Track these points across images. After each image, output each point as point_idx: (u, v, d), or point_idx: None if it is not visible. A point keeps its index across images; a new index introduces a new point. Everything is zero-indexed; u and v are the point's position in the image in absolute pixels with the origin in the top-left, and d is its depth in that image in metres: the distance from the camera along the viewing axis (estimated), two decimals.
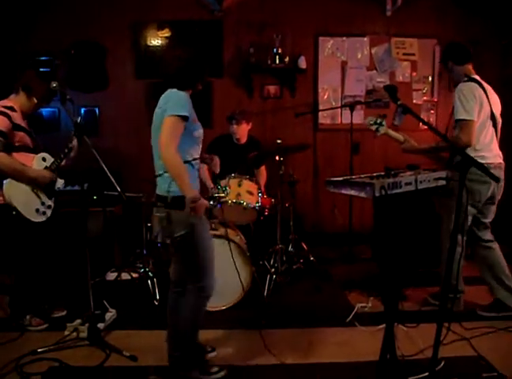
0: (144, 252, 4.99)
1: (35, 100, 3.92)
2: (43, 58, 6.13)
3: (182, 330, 3.25)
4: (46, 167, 3.93)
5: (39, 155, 3.94)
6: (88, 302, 3.67)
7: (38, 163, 3.91)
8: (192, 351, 3.28)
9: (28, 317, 3.98)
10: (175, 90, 3.20)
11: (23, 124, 3.88)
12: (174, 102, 3.08)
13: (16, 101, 3.90)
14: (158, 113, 3.18)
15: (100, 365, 3.38)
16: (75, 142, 3.94)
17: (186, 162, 3.04)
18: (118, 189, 3.57)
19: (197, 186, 3.16)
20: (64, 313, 4.23)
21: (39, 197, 3.88)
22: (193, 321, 3.26)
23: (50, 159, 3.97)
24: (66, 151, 3.96)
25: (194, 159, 3.13)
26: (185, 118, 3.03)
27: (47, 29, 6.19)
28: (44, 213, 3.92)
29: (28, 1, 6.12)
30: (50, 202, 3.99)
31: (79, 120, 3.69)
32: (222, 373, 3.29)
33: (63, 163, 4.00)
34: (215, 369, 3.31)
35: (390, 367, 2.92)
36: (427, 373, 2.83)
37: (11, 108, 3.80)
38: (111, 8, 6.28)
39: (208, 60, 3.36)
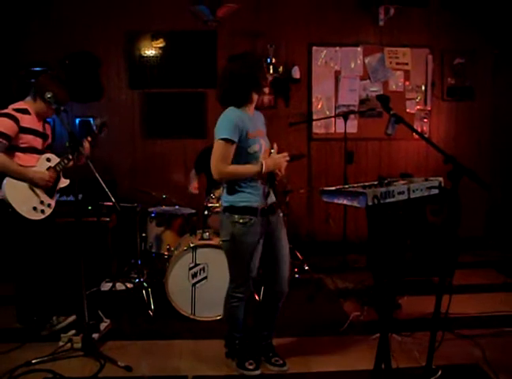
0: (139, 262, 4.99)
1: (54, 106, 3.84)
2: (38, 69, 6.13)
3: (224, 325, 3.60)
4: (49, 167, 3.98)
5: (43, 155, 4.00)
6: (82, 313, 3.65)
7: (42, 163, 3.97)
8: (234, 347, 3.55)
9: (54, 318, 4.07)
10: (228, 109, 3.29)
11: (35, 127, 3.93)
12: (219, 124, 3.24)
13: (33, 105, 3.94)
14: None
15: (95, 375, 3.37)
16: (87, 144, 4.07)
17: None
18: (113, 200, 3.59)
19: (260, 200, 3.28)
20: (72, 318, 4.20)
21: (37, 195, 3.91)
22: (227, 317, 3.55)
23: (55, 160, 4.03)
24: (75, 155, 3.90)
25: None
26: (229, 141, 3.14)
27: (41, 39, 6.19)
28: (43, 211, 3.94)
29: (21, 10, 6.13)
30: (50, 201, 4.02)
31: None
32: (257, 372, 3.47)
33: (81, 161, 3.95)
34: (250, 366, 3.48)
35: (385, 376, 2.91)
36: None
37: (24, 111, 3.86)
38: (105, 18, 6.29)
39: (257, 67, 3.28)
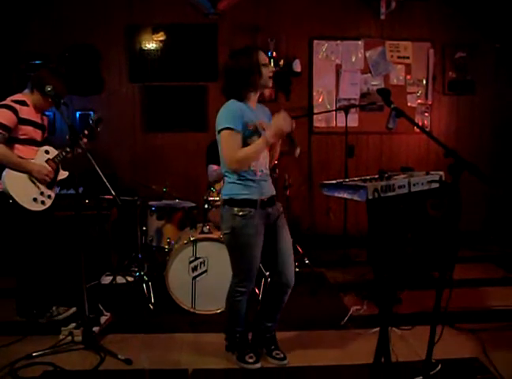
0: (140, 256, 4.99)
1: (50, 99, 3.91)
2: (38, 62, 6.13)
3: (225, 319, 3.58)
4: (48, 159, 4.01)
5: (42, 148, 4.04)
6: (83, 306, 3.65)
7: (40, 155, 4.01)
8: (235, 340, 3.54)
9: (54, 308, 4.11)
10: (228, 101, 3.29)
11: (33, 118, 3.97)
12: (219, 116, 3.23)
13: (30, 97, 3.99)
14: None
15: (95, 368, 3.37)
16: (83, 143, 4.01)
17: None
18: (113, 193, 3.59)
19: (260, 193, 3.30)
20: (72, 310, 4.21)
21: (37, 186, 3.94)
22: (229, 311, 3.52)
23: (53, 152, 4.07)
24: (69, 150, 4.00)
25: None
26: (232, 130, 3.15)
27: (42, 32, 6.19)
28: (43, 202, 3.97)
29: (22, 4, 6.12)
30: (50, 192, 4.05)
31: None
32: (257, 365, 3.45)
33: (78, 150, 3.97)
34: (251, 360, 3.47)
35: (384, 370, 2.92)
36: (421, 377, 2.83)
37: (22, 102, 3.90)
38: (105, 11, 6.29)
39: (254, 66, 3.21)
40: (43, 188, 3.98)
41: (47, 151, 4.05)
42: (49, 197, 4.03)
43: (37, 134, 4.01)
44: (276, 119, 3.13)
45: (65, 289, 4.40)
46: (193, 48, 6.42)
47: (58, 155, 4.05)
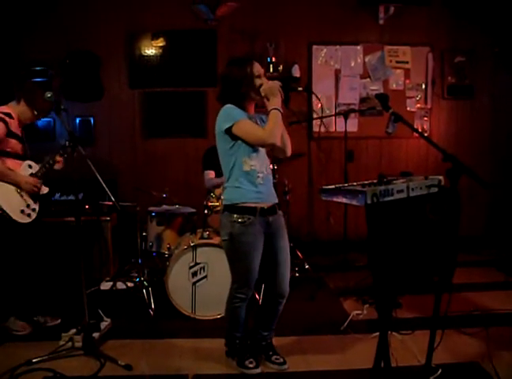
0: (140, 261, 4.99)
1: (36, 112, 4.00)
2: (38, 68, 6.14)
3: (225, 324, 3.57)
4: (32, 174, 4.02)
5: (25, 162, 4.04)
6: (83, 312, 3.65)
7: (24, 169, 4.01)
8: (235, 346, 3.54)
9: (11, 319, 4.02)
10: (225, 105, 3.31)
11: (18, 132, 3.98)
12: (223, 116, 3.25)
13: (16, 109, 3.99)
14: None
15: (95, 374, 3.37)
16: (59, 158, 4.09)
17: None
18: (113, 199, 3.60)
19: (259, 197, 3.30)
20: (58, 321, 4.21)
21: (24, 198, 3.94)
22: (228, 317, 3.51)
23: (36, 167, 4.07)
24: (51, 162, 4.06)
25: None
26: (244, 119, 3.22)
27: (42, 39, 6.20)
28: (29, 215, 3.97)
29: (22, 10, 6.13)
30: (34, 205, 4.05)
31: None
32: (257, 370, 3.45)
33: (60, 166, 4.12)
34: (251, 365, 3.47)
35: (384, 375, 2.91)
36: None
37: (9, 115, 3.90)
38: (105, 18, 6.30)
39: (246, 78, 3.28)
40: (29, 201, 3.98)
41: (30, 166, 4.05)
42: (34, 210, 4.03)
43: (20, 148, 4.02)
44: (264, 86, 3.28)
45: (51, 298, 4.42)
46: (192, 54, 6.43)
47: (40, 169, 4.05)
